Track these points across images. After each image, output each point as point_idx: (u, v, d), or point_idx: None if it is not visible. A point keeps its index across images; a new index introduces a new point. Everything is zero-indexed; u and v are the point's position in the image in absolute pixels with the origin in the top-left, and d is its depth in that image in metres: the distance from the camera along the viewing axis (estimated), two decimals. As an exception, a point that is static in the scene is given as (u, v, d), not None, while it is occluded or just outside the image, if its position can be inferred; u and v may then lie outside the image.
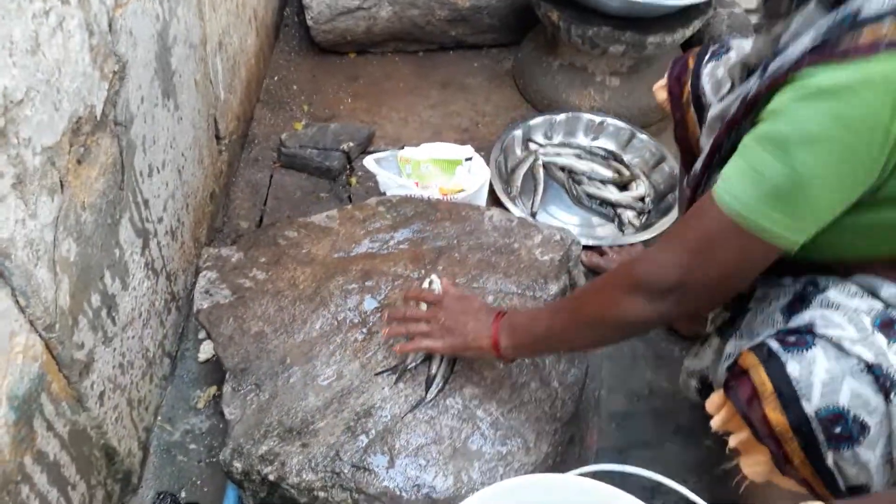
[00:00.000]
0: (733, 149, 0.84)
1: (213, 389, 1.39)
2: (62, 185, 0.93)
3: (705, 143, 1.11)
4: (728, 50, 1.14)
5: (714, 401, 0.95)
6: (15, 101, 0.80)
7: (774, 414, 0.84)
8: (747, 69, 0.97)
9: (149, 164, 1.21)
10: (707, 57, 1.15)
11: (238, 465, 1.13)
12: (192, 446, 1.32)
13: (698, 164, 1.02)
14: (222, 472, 1.17)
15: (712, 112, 1.05)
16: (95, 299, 1.04)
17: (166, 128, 1.28)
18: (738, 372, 0.90)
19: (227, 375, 1.24)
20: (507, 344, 1.06)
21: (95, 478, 1.11)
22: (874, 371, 0.82)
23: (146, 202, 1.21)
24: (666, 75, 1.23)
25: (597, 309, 0.96)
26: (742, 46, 1.13)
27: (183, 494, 1.26)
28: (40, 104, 0.86)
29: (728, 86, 1.06)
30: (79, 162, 0.98)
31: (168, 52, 1.26)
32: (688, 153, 1.23)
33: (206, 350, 1.45)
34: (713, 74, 1.13)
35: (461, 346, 1.11)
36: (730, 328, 1.03)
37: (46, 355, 0.94)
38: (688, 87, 1.17)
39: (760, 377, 0.86)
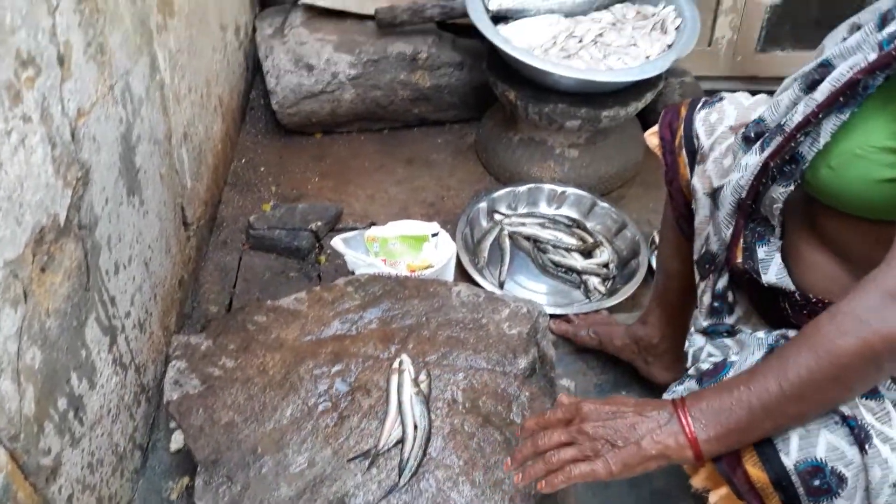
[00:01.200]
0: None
1: (185, 480, 1.38)
2: (25, 295, 0.94)
3: (714, 176, 1.15)
4: (721, 100, 1.19)
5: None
6: (-23, 220, 0.82)
7: (755, 470, 0.85)
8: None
9: (115, 261, 1.23)
10: (700, 105, 1.21)
11: (211, 562, 1.11)
12: (165, 542, 1.30)
13: (742, 177, 1.01)
14: (195, 571, 1.16)
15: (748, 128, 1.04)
16: (62, 403, 1.05)
17: (132, 224, 1.30)
18: None
19: (198, 468, 1.23)
20: (708, 436, 0.84)
21: (63, 586, 1.09)
22: (849, 423, 0.84)
23: (112, 299, 1.22)
24: (658, 122, 1.28)
25: (852, 342, 0.77)
26: (736, 98, 1.19)
27: None
28: (2, 220, 0.88)
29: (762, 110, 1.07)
30: (42, 270, 0.99)
31: (132, 152, 1.30)
32: (677, 194, 1.27)
33: (177, 440, 1.44)
34: (706, 120, 1.17)
35: (637, 458, 0.86)
36: (710, 378, 1.03)
37: (11, 465, 0.93)
38: (680, 132, 1.22)
39: None
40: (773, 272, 1.01)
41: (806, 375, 0.79)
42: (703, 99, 1.21)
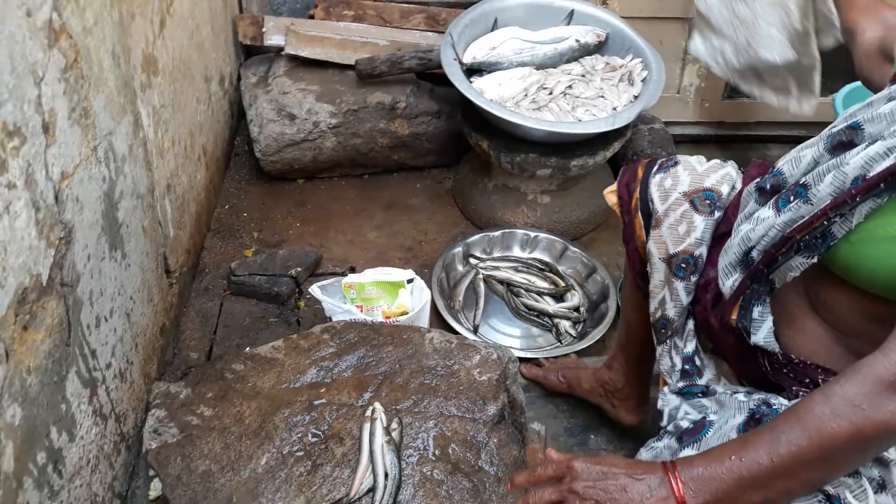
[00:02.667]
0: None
1: (163, 529, 1.41)
2: (7, 355, 0.98)
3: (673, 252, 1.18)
4: (675, 164, 1.22)
5: None
6: (-38, 288, 0.87)
7: None
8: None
9: (96, 315, 1.27)
10: (655, 168, 1.23)
11: None
12: (141, 591, 1.32)
13: (752, 229, 1.01)
14: None
15: (748, 226, 1.04)
16: (41, 457, 1.08)
17: (113, 277, 1.35)
18: None
19: (174, 518, 1.27)
20: (697, 502, 0.85)
21: None
22: (832, 502, 0.86)
23: (93, 352, 1.26)
24: (616, 181, 1.31)
25: (844, 426, 0.78)
26: (689, 162, 1.22)
27: None
28: (-13, 286, 0.92)
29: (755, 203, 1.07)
30: (24, 328, 1.04)
31: (115, 208, 1.35)
32: (634, 254, 1.31)
33: (156, 487, 1.46)
34: (661, 185, 1.20)
35: None
36: (690, 437, 1.06)
37: (-11, 521, 0.97)
38: (636, 195, 1.24)
39: None
40: (763, 334, 1.03)
41: (796, 453, 0.81)
42: (659, 161, 1.25)
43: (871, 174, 0.86)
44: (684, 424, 1.10)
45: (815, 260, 0.94)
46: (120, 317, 1.39)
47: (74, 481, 1.20)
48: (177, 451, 1.35)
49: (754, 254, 1.03)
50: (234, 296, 1.87)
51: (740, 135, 2.55)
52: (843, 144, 0.94)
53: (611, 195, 1.33)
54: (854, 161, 0.89)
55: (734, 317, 1.07)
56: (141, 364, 1.52)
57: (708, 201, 1.17)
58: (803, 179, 0.96)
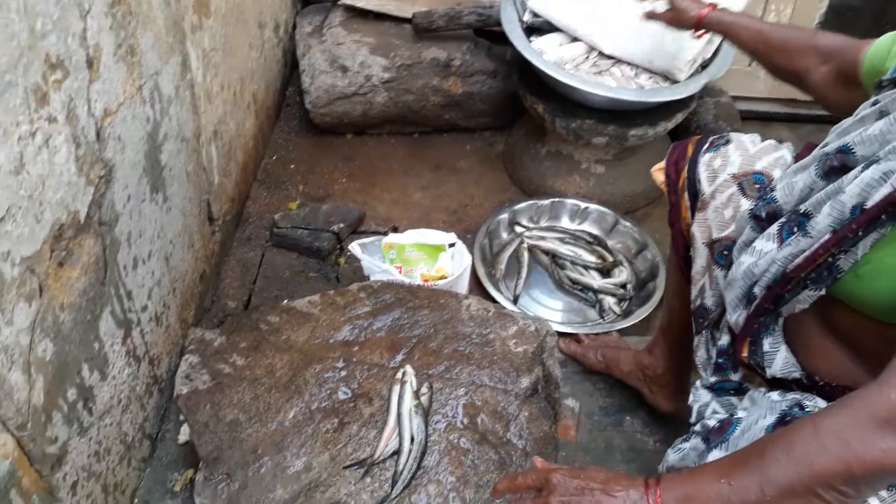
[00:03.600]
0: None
1: (190, 472, 1.42)
2: (41, 290, 0.98)
3: (700, 248, 1.13)
4: (727, 142, 1.15)
5: None
6: (-4, 220, 0.86)
7: None
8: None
9: (133, 256, 1.27)
10: (706, 147, 1.17)
11: (204, 557, 1.15)
12: (166, 531, 1.34)
13: (755, 264, 0.97)
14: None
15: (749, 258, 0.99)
16: (71, 393, 1.09)
17: (154, 220, 1.34)
18: None
19: (200, 463, 1.27)
20: None
21: (64, 567, 1.14)
22: None
23: (129, 293, 1.26)
24: (665, 158, 1.25)
25: (834, 463, 0.74)
26: (742, 142, 1.14)
27: (152, 580, 1.28)
28: (21, 219, 0.92)
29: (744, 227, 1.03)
30: (60, 265, 1.03)
31: (158, 150, 1.33)
32: (678, 238, 1.25)
33: (185, 432, 1.48)
34: (710, 165, 1.14)
35: None
36: (717, 437, 1.01)
37: (18, 452, 0.97)
38: (684, 174, 1.19)
39: None
40: (779, 365, 0.99)
41: (786, 487, 0.76)
42: (711, 139, 1.18)
43: (870, 202, 0.83)
44: (711, 423, 1.05)
45: (822, 292, 0.91)
46: (158, 260, 1.38)
47: (104, 419, 1.21)
48: (206, 398, 1.35)
49: (757, 290, 0.98)
50: (275, 248, 1.86)
51: (812, 114, 2.40)
52: (835, 170, 0.90)
53: (658, 173, 1.26)
54: (850, 189, 0.85)
55: (745, 354, 1.03)
56: (178, 309, 1.52)
57: (757, 185, 1.10)
58: (802, 208, 0.92)
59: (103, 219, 1.14)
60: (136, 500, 1.36)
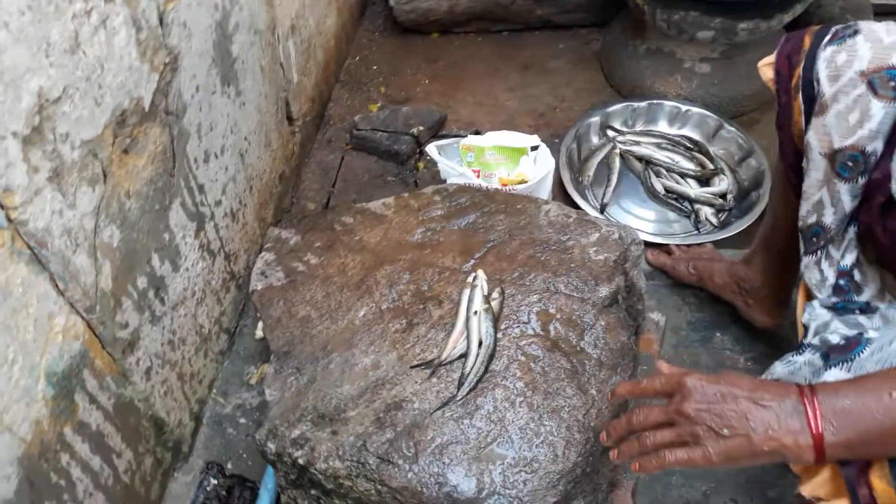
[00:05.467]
0: None
1: (265, 367, 1.45)
2: (105, 175, 0.98)
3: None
4: (855, 33, 0.96)
5: None
6: (51, 99, 0.85)
7: (881, 483, 0.73)
8: None
9: (205, 150, 1.26)
10: (828, 38, 0.98)
11: (272, 446, 1.17)
12: (242, 420, 1.38)
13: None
14: (261, 450, 1.22)
15: None
16: (141, 281, 1.10)
17: (226, 114, 1.32)
18: None
19: (271, 357, 1.29)
20: (837, 441, 0.72)
21: (144, 446, 1.19)
22: None
23: (201, 187, 1.26)
24: (775, 52, 1.07)
25: None
26: (874, 31, 0.95)
27: (229, 466, 1.33)
28: (80, 100, 0.90)
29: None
30: (125, 152, 1.03)
31: (228, 41, 1.30)
32: (788, 144, 1.09)
33: (262, 327, 1.50)
34: (832, 60, 0.96)
35: (744, 453, 0.74)
36: (839, 354, 0.90)
37: (89, 334, 1.00)
38: (799, 70, 1.01)
39: None
40: None
41: None
42: (834, 29, 0.98)
43: None
44: (834, 339, 0.93)
45: None
46: (233, 156, 1.37)
47: (178, 310, 1.23)
48: (280, 295, 1.35)
49: None
50: (354, 150, 1.83)
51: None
52: None
53: (767, 69, 1.07)
54: None
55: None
56: (256, 207, 1.52)
57: (893, 83, 0.90)
58: None
59: (170, 108, 1.13)
60: (213, 391, 1.40)
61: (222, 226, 1.37)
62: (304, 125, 1.77)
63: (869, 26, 0.96)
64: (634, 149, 1.77)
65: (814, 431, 0.71)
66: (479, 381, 1.19)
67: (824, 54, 0.97)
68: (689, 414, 0.76)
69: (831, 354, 0.90)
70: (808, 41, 1.01)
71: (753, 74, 1.82)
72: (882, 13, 2.00)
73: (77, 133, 0.91)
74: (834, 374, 0.87)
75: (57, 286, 0.92)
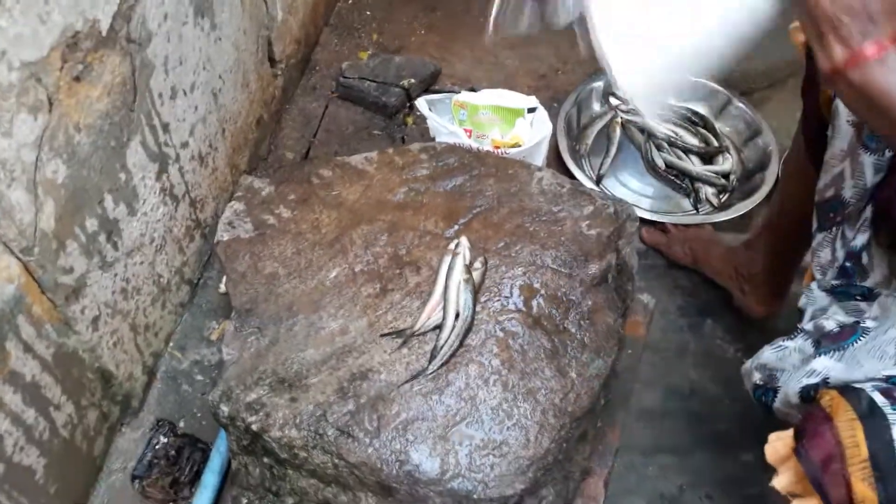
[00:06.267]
0: None
1: (227, 323, 1.36)
2: (50, 104, 0.88)
3: None
4: None
5: (777, 449, 0.78)
6: (-17, 9, 0.75)
7: (862, 486, 0.68)
8: None
9: (171, 85, 1.15)
10: None
11: (225, 408, 1.09)
12: (199, 377, 1.30)
13: None
14: (216, 412, 1.15)
15: None
16: (91, 223, 1.01)
17: (198, 48, 1.21)
18: (817, 416, 0.73)
19: (232, 314, 1.20)
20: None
21: (88, 399, 1.11)
22: None
23: (165, 126, 1.16)
24: None
25: None
26: None
27: (181, 424, 1.25)
28: (20, 15, 0.80)
29: None
30: (77, 79, 0.92)
31: (204, -34, 1.18)
32: (812, 112, 1.02)
33: (225, 281, 1.42)
34: None
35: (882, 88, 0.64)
36: (831, 343, 0.86)
37: (25, 277, 0.91)
38: None
39: (852, 436, 0.70)
40: None
41: None
42: None
43: None
44: (829, 326, 0.88)
45: None
46: (204, 94, 1.27)
47: (133, 257, 1.14)
48: (247, 248, 1.26)
49: None
50: (340, 99, 1.72)
51: None
52: None
53: (798, 32, 0.99)
54: None
55: None
56: (228, 153, 1.42)
57: None
58: None
59: (132, 35, 1.02)
60: (170, 344, 1.32)
61: (188, 169, 1.27)
62: (287, 68, 1.65)
63: None
64: (636, 119, 1.67)
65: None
66: (452, 356, 1.11)
67: None
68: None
69: (823, 342, 0.86)
70: None
71: (768, 49, 1.71)
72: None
73: (16, 52, 0.80)
74: (822, 363, 0.83)
75: (-13, 223, 0.83)
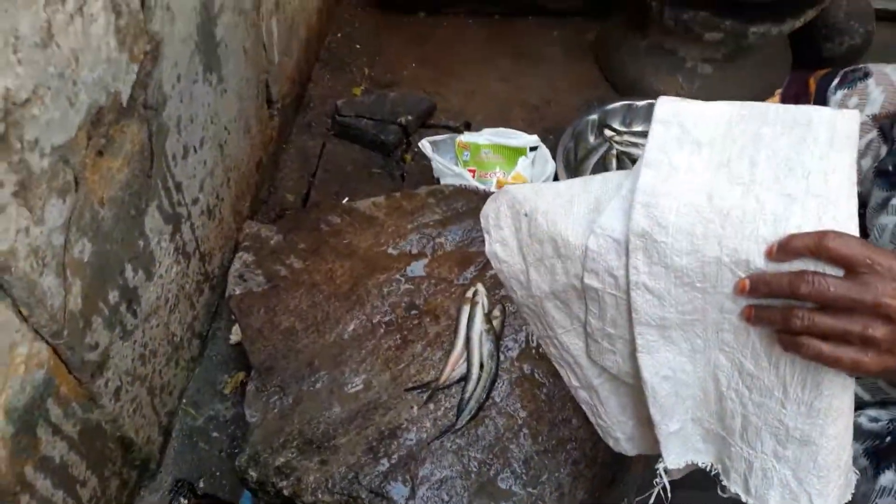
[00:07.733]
0: None
1: (241, 375, 1.35)
2: (76, 183, 0.86)
3: None
4: (866, 76, 0.91)
5: None
6: (18, 102, 0.72)
7: None
8: None
9: (183, 145, 1.13)
10: (837, 82, 0.95)
11: (254, 473, 1.08)
12: (215, 434, 1.28)
13: None
14: (240, 473, 1.13)
15: None
16: (113, 295, 0.99)
17: (206, 104, 1.19)
18: None
19: (252, 372, 1.18)
20: None
21: (110, 469, 1.08)
22: None
23: (178, 185, 1.14)
24: (780, 92, 1.03)
25: None
26: (885, 74, 0.90)
27: (201, 484, 1.23)
28: (51, 101, 0.78)
29: None
30: (100, 154, 0.90)
31: (212, 23, 1.16)
32: None
33: (237, 331, 1.39)
34: (843, 104, 0.92)
35: None
36: (889, 457, 0.79)
37: (54, 360, 0.89)
38: None
39: None
40: None
41: None
42: (842, 73, 0.93)
43: None
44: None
45: None
46: (212, 148, 1.25)
47: (150, 321, 1.12)
48: (261, 302, 1.25)
49: None
50: (337, 137, 1.71)
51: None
52: None
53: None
54: None
55: None
56: (232, 200, 1.40)
57: None
58: None
59: (149, 102, 1.00)
60: (184, 401, 1.30)
61: (198, 225, 1.25)
62: (283, 108, 1.64)
63: (879, 69, 0.92)
64: (632, 150, 1.70)
65: None
66: (480, 409, 1.12)
67: (835, 98, 0.94)
68: (865, 302, 0.55)
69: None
70: (812, 85, 0.98)
71: (756, 81, 1.77)
72: (884, 18, 1.96)
73: (48, 138, 0.78)
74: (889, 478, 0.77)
75: (20, 312, 0.80)
